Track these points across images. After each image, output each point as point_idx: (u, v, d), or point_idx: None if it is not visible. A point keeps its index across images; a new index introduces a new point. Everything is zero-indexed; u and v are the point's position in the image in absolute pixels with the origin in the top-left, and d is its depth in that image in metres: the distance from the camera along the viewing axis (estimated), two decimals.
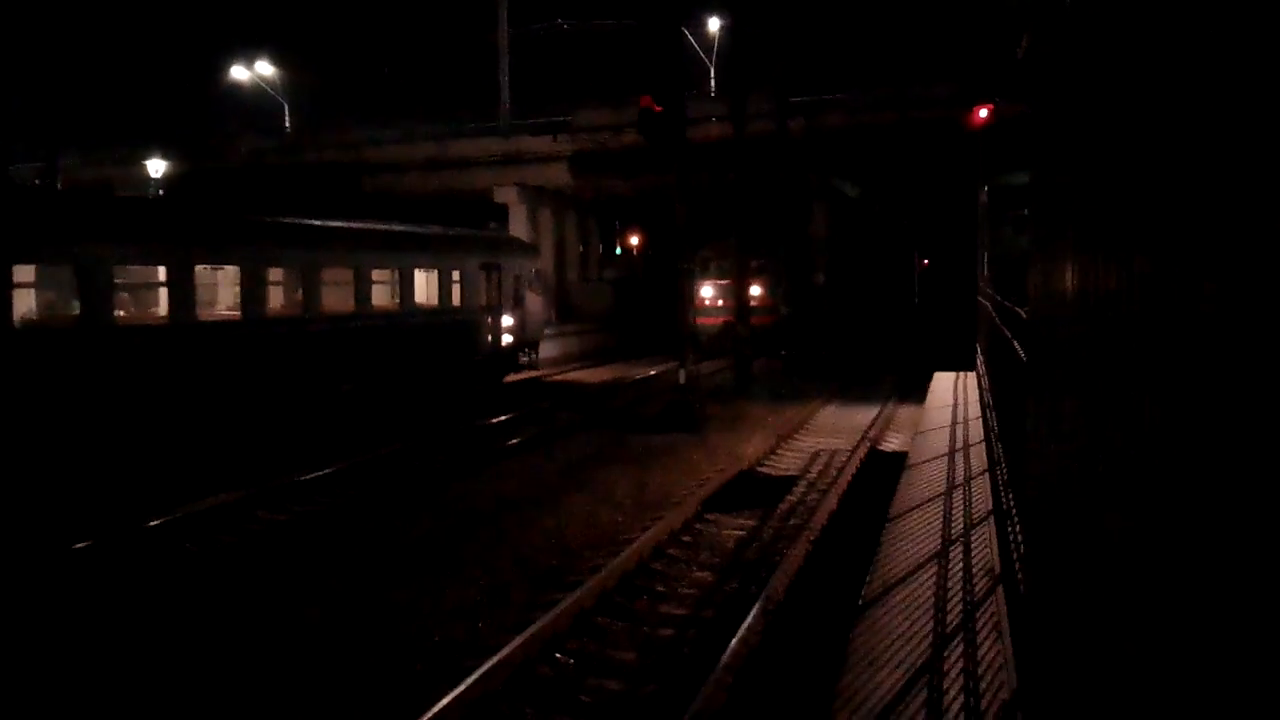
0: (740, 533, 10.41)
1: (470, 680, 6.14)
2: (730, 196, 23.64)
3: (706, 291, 30.03)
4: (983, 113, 20.46)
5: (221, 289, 16.27)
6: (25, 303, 12.26)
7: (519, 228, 33.39)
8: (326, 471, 12.77)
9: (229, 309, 15.74)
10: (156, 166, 32.44)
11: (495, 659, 6.49)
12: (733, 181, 22.75)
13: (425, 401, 18.60)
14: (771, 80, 26.94)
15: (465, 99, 38.08)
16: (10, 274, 11.01)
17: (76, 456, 11.59)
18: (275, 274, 15.52)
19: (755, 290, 26.97)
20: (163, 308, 13.61)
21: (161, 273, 13.36)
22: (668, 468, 13.36)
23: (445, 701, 5.84)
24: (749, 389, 21.50)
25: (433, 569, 8.83)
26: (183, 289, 13.23)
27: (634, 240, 53.37)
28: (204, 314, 14.43)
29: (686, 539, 10.13)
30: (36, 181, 30.36)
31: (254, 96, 40.20)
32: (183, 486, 11.76)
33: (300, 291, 15.80)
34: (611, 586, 8.37)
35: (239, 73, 39.38)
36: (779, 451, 14.95)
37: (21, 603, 8.13)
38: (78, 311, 12.07)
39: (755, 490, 12.29)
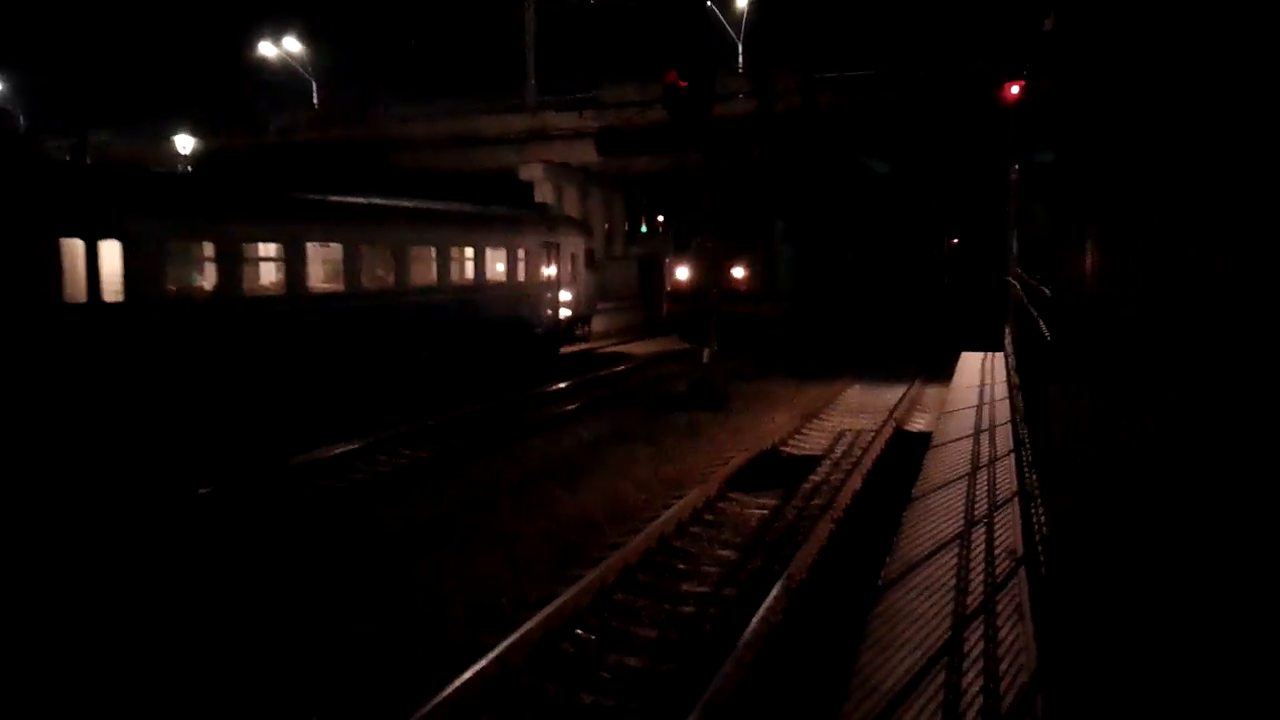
0: (763, 512, 10.41)
1: (492, 655, 6.20)
2: (757, 174, 23.61)
3: (682, 274, 23.83)
4: (1014, 89, 20.14)
5: (325, 265, 17.46)
6: (173, 276, 13.68)
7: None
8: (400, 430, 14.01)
9: (330, 282, 17.07)
10: (185, 143, 32.70)
11: (517, 634, 6.56)
12: (759, 158, 22.68)
13: (492, 368, 20.19)
14: (799, 56, 26.70)
15: (491, 76, 38.03)
16: (165, 250, 12.98)
17: (217, 410, 13.38)
18: (370, 251, 17.20)
19: (738, 272, 22.95)
20: (280, 281, 15.35)
21: (278, 250, 15.05)
22: (692, 446, 13.36)
23: (466, 676, 5.91)
24: (774, 369, 21.43)
25: (454, 544, 8.91)
26: (297, 264, 15.09)
27: (661, 218, 53.20)
28: (313, 287, 16.10)
29: (709, 517, 10.15)
30: (67, 157, 30.67)
31: (282, 73, 40.35)
32: (307, 435, 13.36)
33: (392, 267, 17.56)
34: (634, 563, 8.41)
35: (267, 49, 39.51)
36: (804, 431, 14.91)
37: (215, 521, 9.72)
38: (215, 284, 13.83)
39: (779, 469, 12.28)
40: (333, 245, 16.38)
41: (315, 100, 40.56)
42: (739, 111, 27.31)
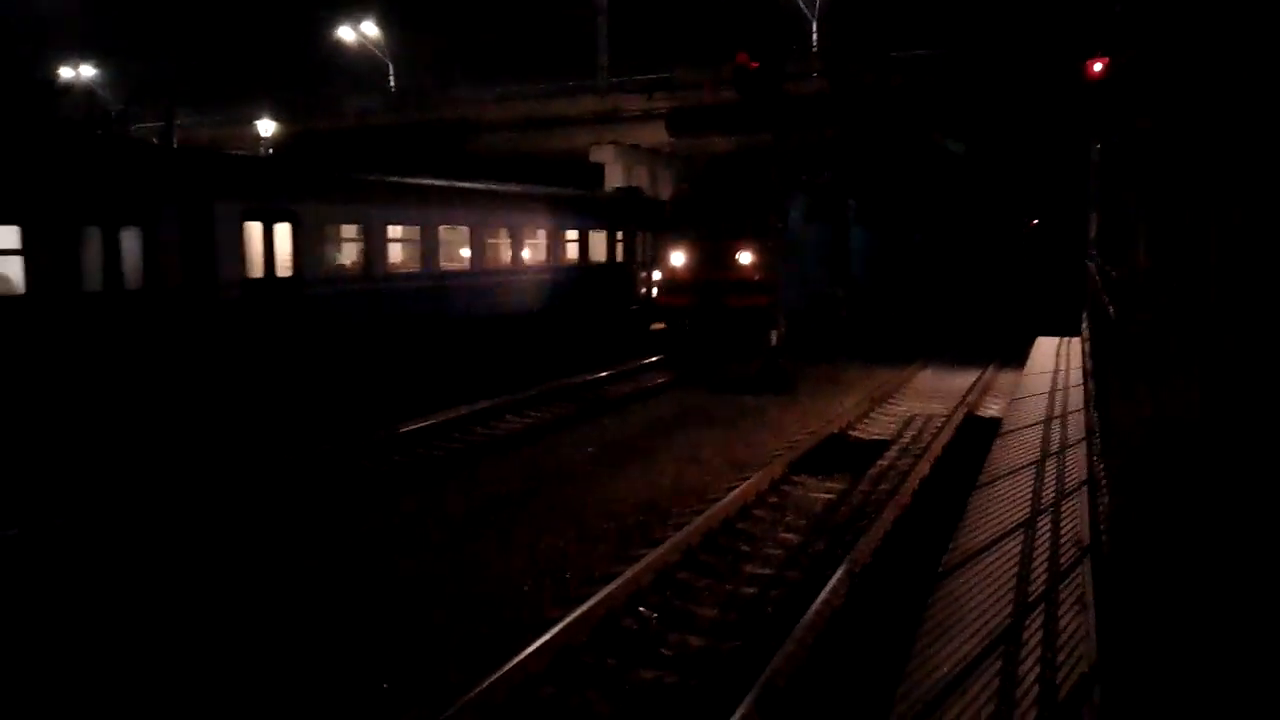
0: (828, 496, 10.40)
1: (555, 629, 6.37)
2: (829, 154, 23.27)
3: (678, 258, 20.07)
4: (1097, 66, 19.51)
5: (453, 245, 19.69)
6: (327, 255, 15.94)
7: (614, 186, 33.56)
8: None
9: (457, 262, 19.48)
10: (266, 127, 33.57)
11: (581, 610, 6.71)
12: (831, 139, 22.38)
13: (586, 342, 21.80)
14: (874, 33, 26.23)
15: (565, 58, 38.15)
16: (323, 232, 15.34)
17: (357, 374, 15.40)
18: (493, 234, 19.80)
19: (744, 258, 19.33)
20: (414, 260, 17.67)
21: (412, 231, 17.38)
22: (758, 428, 13.39)
23: (530, 650, 6.08)
24: (845, 351, 21.25)
25: (525, 519, 9.11)
26: (429, 245, 17.59)
27: None
28: (445, 266, 18.48)
29: (773, 500, 10.18)
30: (154, 140, 31.76)
31: (359, 57, 41.04)
32: (420, 402, 14.46)
33: (510, 248, 20.23)
34: (696, 544, 8.50)
35: (345, 33, 40.22)
36: (872, 415, 14.81)
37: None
38: (355, 261, 16.34)
39: (846, 454, 12.23)
40: (460, 229, 19.01)
41: (392, 84, 41.18)
42: (811, 90, 26.97)
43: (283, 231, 14.43)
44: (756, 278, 18.85)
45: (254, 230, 13.96)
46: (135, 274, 12.19)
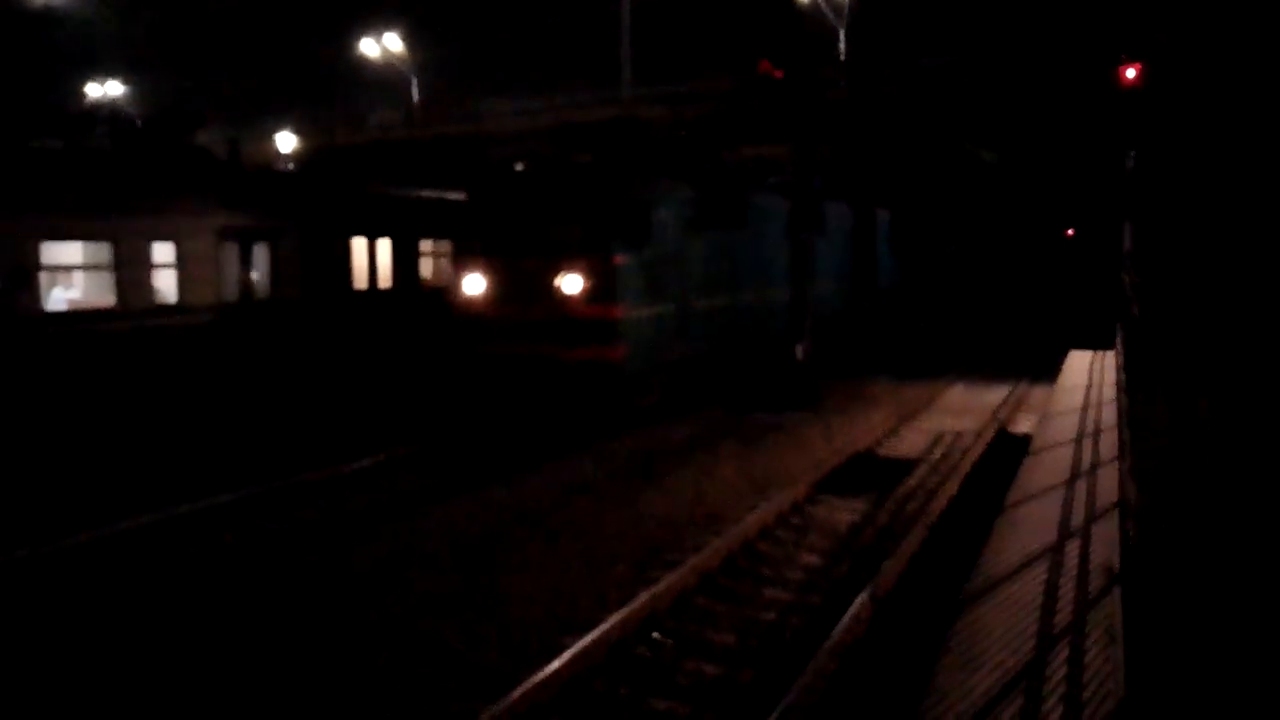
0: (853, 517, 10.17)
1: (567, 656, 6.21)
2: (855, 164, 22.91)
3: (476, 284, 13.89)
4: (1130, 72, 19.21)
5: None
6: (422, 268, 17.69)
7: None
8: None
9: None
10: (287, 141, 33.87)
11: (592, 636, 6.55)
12: (858, 148, 22.05)
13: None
14: (903, 40, 25.93)
15: (585, 68, 38.19)
16: (417, 248, 17.41)
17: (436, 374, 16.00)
18: None
19: (572, 284, 13.18)
20: None
21: None
22: (781, 446, 13.16)
23: (540, 677, 5.93)
24: (873, 366, 20.97)
25: (536, 541, 8.96)
26: None
27: None
28: None
29: (796, 521, 9.97)
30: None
31: (382, 71, 41.31)
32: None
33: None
34: (715, 567, 8.32)
35: (368, 47, 40.47)
36: (900, 432, 14.54)
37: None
38: (433, 275, 17.78)
39: (872, 472, 11.99)
40: None
41: (415, 96, 41.40)
42: (838, 99, 26.72)
43: (384, 247, 16.72)
44: (598, 315, 13.05)
45: (359, 246, 16.20)
46: (264, 281, 14.59)
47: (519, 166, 16.27)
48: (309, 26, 45.48)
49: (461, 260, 14.82)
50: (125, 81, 41.62)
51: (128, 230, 12.47)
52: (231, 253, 14.02)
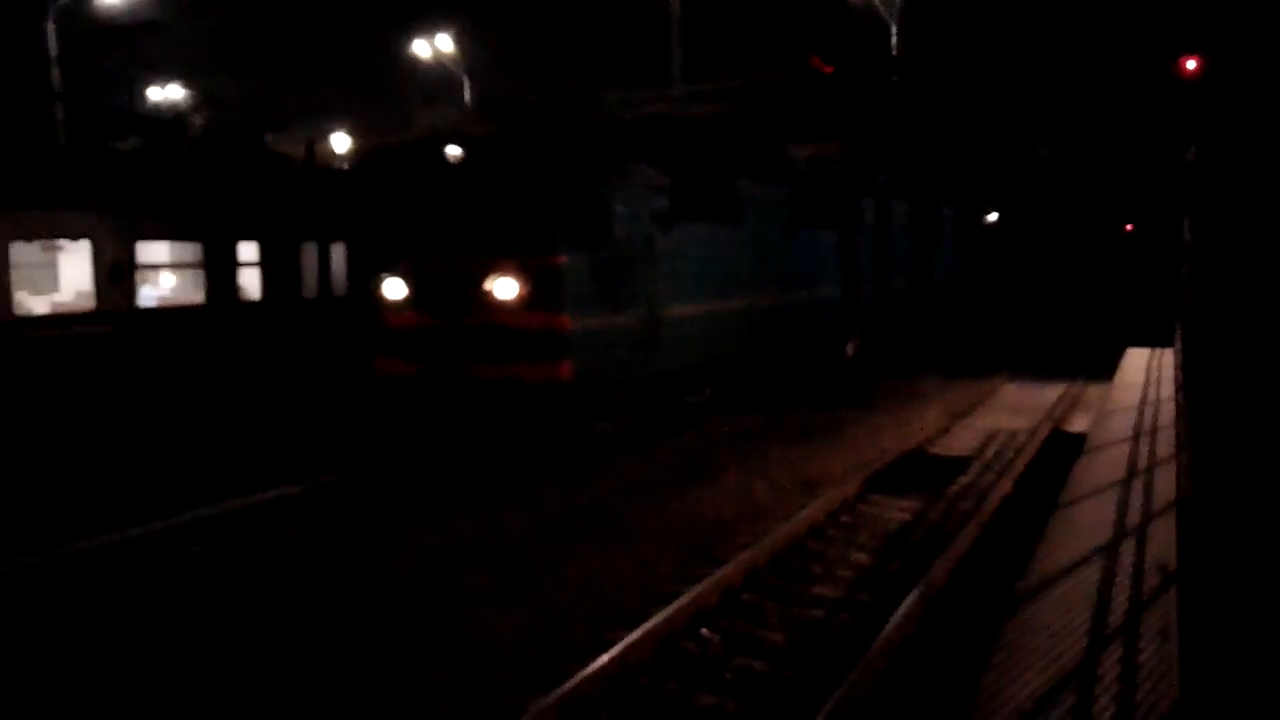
0: (904, 515, 10.09)
1: (614, 652, 6.26)
2: (910, 161, 22.61)
3: (396, 290, 11.76)
4: (1190, 64, 18.77)
5: None
6: None
7: None
8: None
9: None
10: (341, 141, 34.41)
11: (640, 632, 6.59)
12: (912, 145, 21.76)
13: None
14: (957, 34, 25.56)
15: (637, 65, 38.20)
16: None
17: None
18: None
19: (505, 288, 11.09)
20: None
21: None
22: (831, 444, 13.09)
23: (587, 672, 5.98)
24: (924, 363, 20.74)
25: (583, 537, 9.02)
26: None
27: None
28: None
29: (845, 519, 9.92)
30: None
31: (433, 72, 41.62)
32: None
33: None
34: (763, 564, 8.31)
35: (420, 48, 40.84)
36: (953, 430, 14.38)
37: None
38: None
39: (923, 471, 11.88)
40: None
41: (466, 96, 41.70)
42: (889, 93, 26.47)
43: None
44: (539, 325, 10.94)
45: None
46: (341, 278, 15.15)
47: (454, 148, 12.70)
48: (361, 27, 46.03)
49: (382, 259, 12.08)
50: (186, 86, 42.53)
51: (216, 230, 13.32)
52: (311, 252, 14.82)
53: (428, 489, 10.65)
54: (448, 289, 11.27)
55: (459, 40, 40.84)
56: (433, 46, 40.57)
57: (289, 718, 5.67)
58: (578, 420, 11.60)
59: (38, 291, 13.06)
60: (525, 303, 10.92)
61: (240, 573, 8.15)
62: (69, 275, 13.17)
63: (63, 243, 12.57)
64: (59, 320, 11.78)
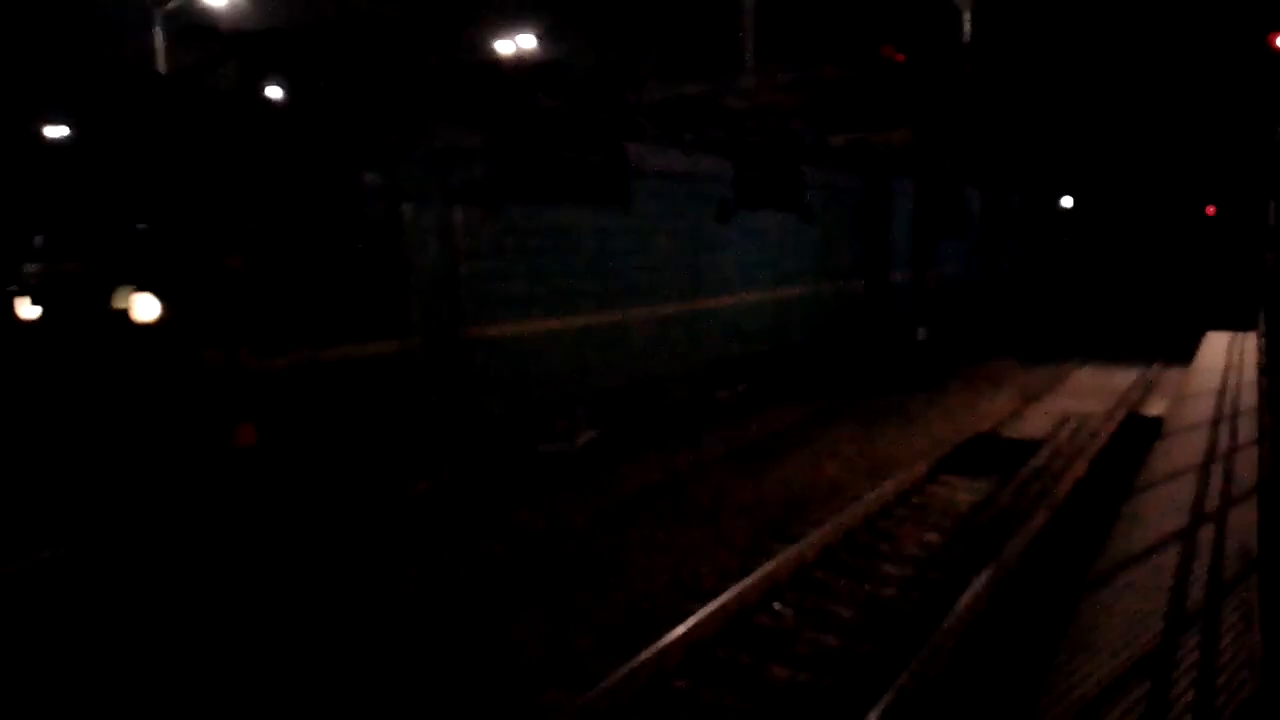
0: (975, 497, 10.09)
1: (690, 623, 6.45)
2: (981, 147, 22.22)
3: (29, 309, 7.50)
4: None
5: None
6: None
7: None
8: None
9: None
10: None
11: (714, 604, 6.77)
12: (983, 130, 21.39)
13: None
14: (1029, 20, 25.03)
15: (709, 55, 38.00)
16: None
17: None
18: None
19: (145, 307, 7.01)
20: None
21: None
22: (903, 426, 13.09)
23: (666, 641, 6.17)
24: (997, 348, 20.49)
25: (661, 513, 9.21)
26: None
27: None
28: None
29: (916, 500, 9.97)
30: None
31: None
32: None
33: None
34: (834, 542, 8.42)
35: (503, 46, 40.94)
36: (1025, 414, 14.25)
37: None
38: None
39: (995, 454, 11.83)
40: None
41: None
42: (960, 80, 26.01)
43: None
44: (205, 364, 7.16)
45: None
46: None
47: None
48: (443, 27, 46.30)
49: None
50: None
51: None
52: None
53: None
54: (68, 307, 7.66)
55: (542, 40, 40.76)
56: (515, 44, 40.62)
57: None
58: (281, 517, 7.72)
59: None
60: (173, 326, 7.22)
61: None
62: None
63: None
64: None
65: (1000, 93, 26.49)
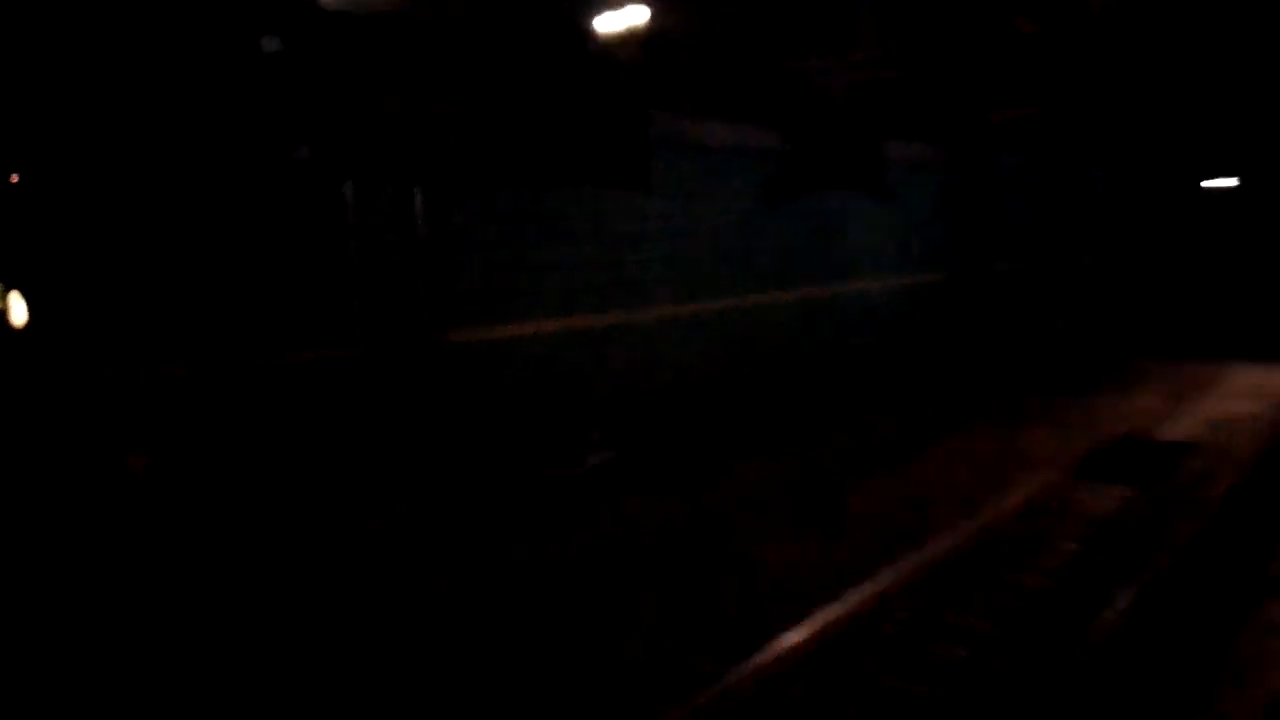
0: (1118, 503, 9.53)
1: (815, 624, 6.29)
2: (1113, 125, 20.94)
3: None
4: None
5: None
6: None
7: None
8: None
9: None
10: None
11: (839, 609, 6.58)
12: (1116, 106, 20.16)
13: None
14: None
15: (819, 36, 37.14)
16: None
17: None
18: None
19: (16, 309, 5.72)
20: None
21: None
22: (1040, 426, 12.52)
23: (790, 640, 6.04)
24: (1140, 343, 19.40)
25: (791, 513, 9.06)
26: None
27: None
28: None
29: (1054, 505, 9.48)
30: None
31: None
32: None
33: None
34: (966, 548, 8.08)
35: (603, 23, 41.06)
36: (1174, 415, 13.40)
37: None
38: None
39: (1141, 457, 11.15)
40: None
41: None
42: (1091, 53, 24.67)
43: None
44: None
45: None
46: None
47: None
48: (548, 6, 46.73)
49: None
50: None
51: None
52: None
53: None
54: None
55: (655, 15, 40.80)
56: (623, 20, 40.80)
57: None
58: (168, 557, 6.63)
59: None
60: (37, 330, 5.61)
61: None
62: None
63: None
64: None
65: (1137, 67, 25.04)
